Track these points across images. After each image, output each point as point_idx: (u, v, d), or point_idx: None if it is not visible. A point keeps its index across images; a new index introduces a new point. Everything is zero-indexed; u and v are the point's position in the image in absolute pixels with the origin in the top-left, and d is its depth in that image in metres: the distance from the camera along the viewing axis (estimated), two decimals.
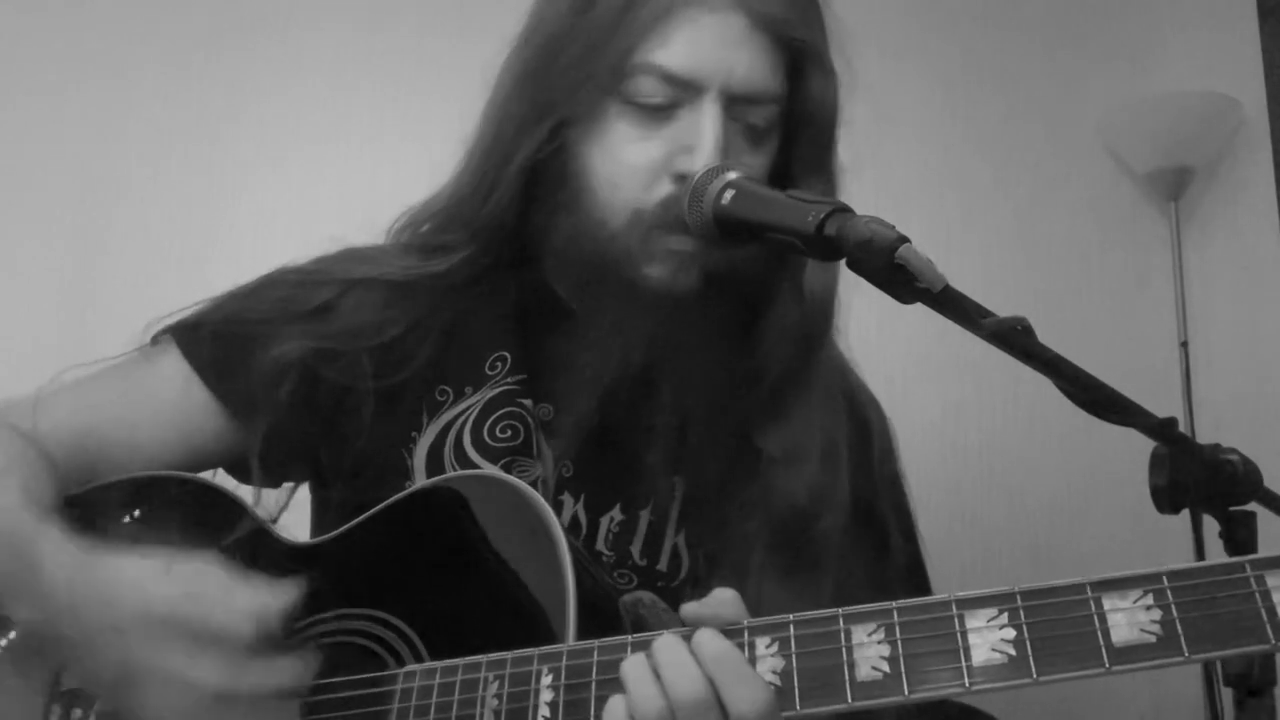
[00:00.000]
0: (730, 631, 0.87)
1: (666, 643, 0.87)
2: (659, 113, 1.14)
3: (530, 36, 1.22)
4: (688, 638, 0.87)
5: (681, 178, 1.12)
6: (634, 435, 1.17)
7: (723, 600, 0.89)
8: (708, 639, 0.86)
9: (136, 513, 1.18)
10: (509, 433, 1.18)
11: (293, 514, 1.25)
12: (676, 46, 1.13)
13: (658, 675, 0.85)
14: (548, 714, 0.88)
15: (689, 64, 1.12)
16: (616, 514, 1.19)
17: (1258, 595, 0.76)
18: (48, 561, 0.97)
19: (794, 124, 1.21)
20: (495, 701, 0.91)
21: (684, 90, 1.13)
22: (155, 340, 1.23)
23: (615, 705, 0.86)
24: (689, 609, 0.89)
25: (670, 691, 0.84)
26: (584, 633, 0.92)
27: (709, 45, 1.13)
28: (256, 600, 0.90)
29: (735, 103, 1.14)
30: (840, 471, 1.21)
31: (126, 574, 0.94)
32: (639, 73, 1.13)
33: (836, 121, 1.22)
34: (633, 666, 0.86)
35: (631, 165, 1.14)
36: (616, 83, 1.14)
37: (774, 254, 1.14)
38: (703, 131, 1.12)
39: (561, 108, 1.16)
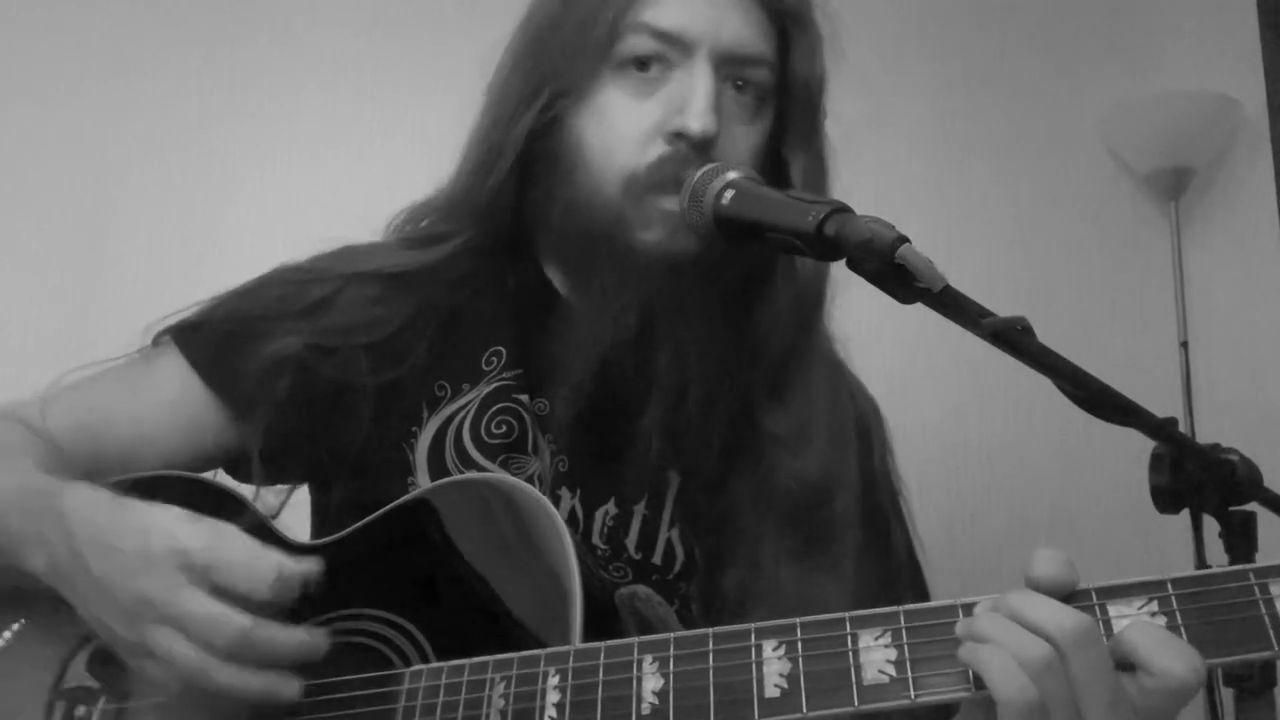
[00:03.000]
0: (741, 632, 0.86)
1: (1019, 594, 0.80)
2: (652, 78, 1.15)
3: (527, 22, 1.24)
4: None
5: (676, 136, 1.13)
6: (629, 427, 1.17)
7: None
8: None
9: None
10: (504, 428, 1.18)
11: (289, 514, 1.26)
12: (665, 6, 1.15)
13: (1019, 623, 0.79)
14: (554, 715, 0.88)
15: (678, 21, 1.14)
16: (611, 508, 1.19)
17: (1261, 603, 0.77)
18: (73, 501, 0.99)
19: (784, 98, 1.21)
20: (502, 702, 0.90)
21: (675, 48, 1.15)
22: (156, 342, 1.23)
23: (998, 658, 0.78)
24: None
25: (1049, 630, 0.77)
26: (590, 633, 0.92)
27: (698, 4, 1.15)
28: (278, 563, 0.90)
29: (726, 63, 1.15)
30: (849, 452, 1.21)
31: (157, 516, 0.95)
32: (630, 32, 1.15)
33: (824, 88, 1.23)
34: (990, 620, 0.79)
35: (625, 131, 1.15)
36: (609, 46, 1.15)
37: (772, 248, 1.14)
38: (694, 89, 1.13)
39: (557, 79, 1.17)
